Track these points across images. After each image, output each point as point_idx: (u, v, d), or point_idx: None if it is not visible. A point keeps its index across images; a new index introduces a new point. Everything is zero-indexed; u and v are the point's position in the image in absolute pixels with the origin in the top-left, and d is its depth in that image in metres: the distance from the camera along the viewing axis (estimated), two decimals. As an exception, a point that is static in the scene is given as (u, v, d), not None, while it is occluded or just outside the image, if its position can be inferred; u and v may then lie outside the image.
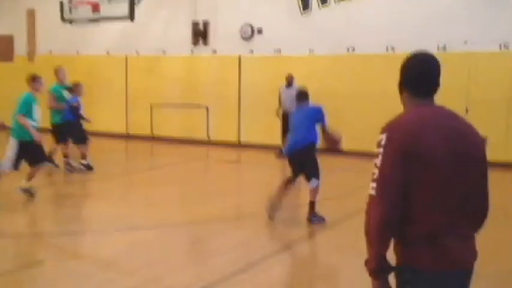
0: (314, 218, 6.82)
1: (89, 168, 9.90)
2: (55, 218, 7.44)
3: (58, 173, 9.87)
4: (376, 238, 2.27)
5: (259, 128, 13.11)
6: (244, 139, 13.40)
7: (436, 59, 2.44)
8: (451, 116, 2.39)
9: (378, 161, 2.26)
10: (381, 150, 2.27)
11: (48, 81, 14.52)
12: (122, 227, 6.75)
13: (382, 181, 2.23)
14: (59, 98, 9.71)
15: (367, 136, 11.62)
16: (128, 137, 14.80)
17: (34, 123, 7.66)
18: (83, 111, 10.01)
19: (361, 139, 11.74)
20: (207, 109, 13.72)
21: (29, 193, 7.78)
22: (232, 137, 13.44)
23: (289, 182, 7.00)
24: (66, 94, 9.83)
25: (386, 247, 2.30)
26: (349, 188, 8.54)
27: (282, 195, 6.97)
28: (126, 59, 14.91)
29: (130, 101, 15.00)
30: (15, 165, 7.61)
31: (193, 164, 11.50)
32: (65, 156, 9.92)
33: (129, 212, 7.48)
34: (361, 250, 2.55)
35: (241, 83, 13.40)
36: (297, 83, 11.45)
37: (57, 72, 10.00)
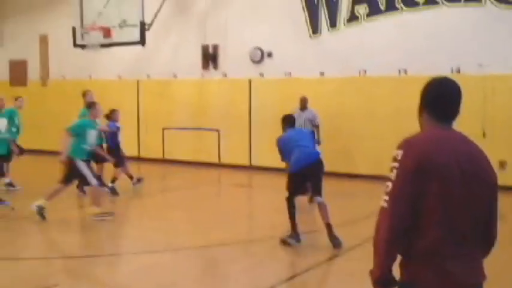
0: (335, 239, 6.71)
1: (113, 192, 9.92)
2: (69, 241, 7.40)
3: (71, 196, 9.89)
4: (383, 249, 2.34)
5: (270, 151, 13.03)
6: (255, 162, 13.37)
7: (458, 85, 2.50)
8: (466, 141, 2.47)
9: (392, 175, 2.36)
10: (396, 164, 2.36)
11: (60, 105, 14.75)
12: (135, 251, 6.73)
13: (393, 195, 2.33)
14: None
15: (379, 159, 11.64)
16: (139, 159, 14.84)
17: (87, 147, 7.98)
18: (120, 138, 10.27)
19: (373, 162, 11.72)
20: (218, 132, 13.74)
21: (41, 214, 7.82)
22: (243, 160, 13.42)
23: (292, 201, 6.99)
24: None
25: (392, 259, 2.37)
26: (362, 214, 8.42)
27: (295, 220, 6.94)
28: (138, 83, 15.04)
29: (142, 124, 15.08)
30: (100, 181, 8.02)
31: (205, 187, 11.47)
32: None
33: (141, 235, 7.46)
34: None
35: (251, 106, 13.43)
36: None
37: (86, 95, 10.16)
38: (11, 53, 17.26)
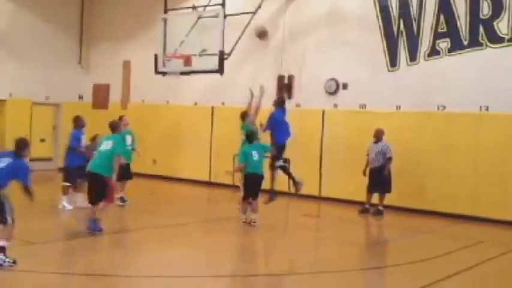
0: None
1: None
2: (132, 261, 7.50)
3: (145, 216, 10.17)
4: None
5: (340, 183, 12.95)
6: (325, 193, 13.25)
7: None
8: None
9: None
10: None
11: (138, 127, 15.28)
12: (198, 274, 6.76)
13: None
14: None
15: (455, 197, 11.23)
16: (210, 184, 15.09)
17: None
18: None
19: (449, 200, 11.30)
20: (289, 161, 13.71)
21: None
22: (313, 190, 13.30)
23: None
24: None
25: None
26: (434, 253, 8.10)
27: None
28: (212, 109, 15.41)
29: (215, 150, 15.36)
30: None
31: (273, 215, 11.44)
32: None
33: (205, 260, 7.53)
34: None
35: (324, 137, 13.38)
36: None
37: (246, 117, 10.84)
38: (96, 77, 18.21)
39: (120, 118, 11.22)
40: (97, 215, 8.40)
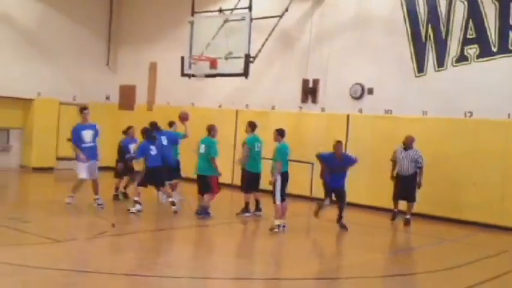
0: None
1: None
2: (154, 261, 7.49)
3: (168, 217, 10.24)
4: None
5: (364, 188, 12.84)
6: (348, 198, 13.10)
7: None
8: None
9: None
10: None
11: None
12: (216, 276, 6.77)
13: None
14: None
15: (483, 205, 11.03)
16: (233, 186, 15.09)
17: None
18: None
19: (476, 208, 11.11)
20: (312, 166, 13.68)
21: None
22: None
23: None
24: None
25: None
26: (459, 262, 7.97)
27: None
28: (237, 112, 15.45)
29: (238, 152, 15.36)
30: None
31: (295, 219, 11.42)
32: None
33: (226, 261, 7.51)
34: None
35: (348, 142, 13.29)
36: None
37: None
38: (123, 78, 18.43)
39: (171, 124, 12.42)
40: (205, 204, 10.35)
